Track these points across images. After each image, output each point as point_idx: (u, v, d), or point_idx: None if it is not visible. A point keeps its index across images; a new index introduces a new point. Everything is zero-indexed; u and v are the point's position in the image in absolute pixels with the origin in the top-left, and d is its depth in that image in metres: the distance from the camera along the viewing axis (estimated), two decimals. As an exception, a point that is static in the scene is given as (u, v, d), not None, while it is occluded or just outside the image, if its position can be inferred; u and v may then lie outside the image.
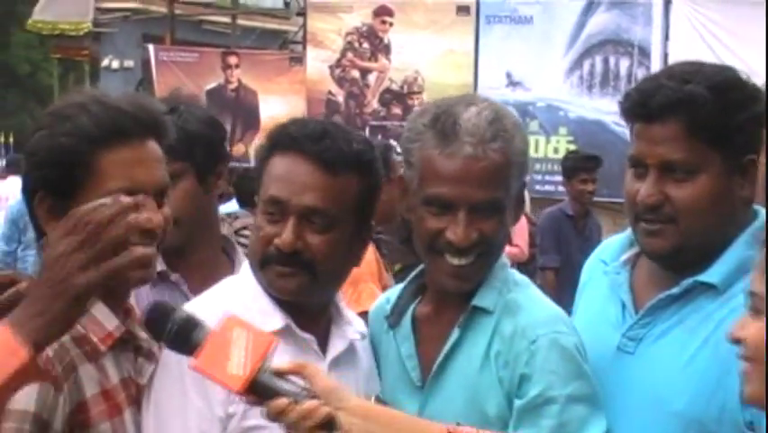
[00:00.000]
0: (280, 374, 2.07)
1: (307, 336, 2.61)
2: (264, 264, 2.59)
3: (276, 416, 2.06)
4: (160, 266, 3.22)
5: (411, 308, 2.80)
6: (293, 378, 2.09)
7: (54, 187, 2.33)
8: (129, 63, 25.12)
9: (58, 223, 2.25)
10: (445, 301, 2.75)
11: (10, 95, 34.02)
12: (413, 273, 2.84)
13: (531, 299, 2.73)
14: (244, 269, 2.70)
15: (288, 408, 2.05)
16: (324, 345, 2.67)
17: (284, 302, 2.61)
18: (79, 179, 2.30)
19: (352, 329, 2.73)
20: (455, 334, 2.68)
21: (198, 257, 3.32)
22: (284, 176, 2.57)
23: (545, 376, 2.55)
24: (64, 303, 1.89)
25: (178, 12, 24.00)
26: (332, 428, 2.07)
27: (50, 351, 2.13)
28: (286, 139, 2.61)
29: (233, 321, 2.07)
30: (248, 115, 21.76)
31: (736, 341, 2.06)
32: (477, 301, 2.67)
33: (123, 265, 1.92)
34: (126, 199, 1.95)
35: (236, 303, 2.57)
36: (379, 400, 2.46)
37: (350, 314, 2.77)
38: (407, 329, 2.77)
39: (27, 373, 1.87)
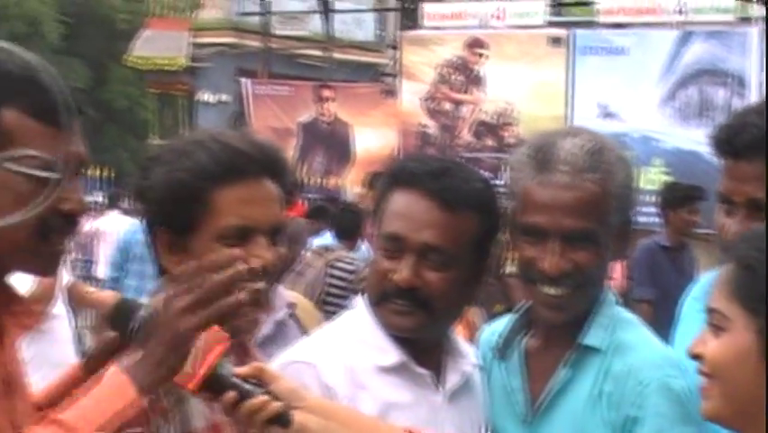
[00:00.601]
0: (240, 375, 2.08)
1: (423, 371, 2.61)
2: (381, 300, 2.59)
3: (228, 411, 2.06)
4: None
5: (520, 341, 2.78)
6: (253, 380, 2.10)
7: (172, 222, 2.34)
8: (224, 97, 25.45)
9: (176, 258, 2.32)
10: (553, 336, 2.72)
11: (108, 130, 34.60)
12: (522, 306, 2.82)
13: (641, 339, 2.69)
14: (360, 303, 2.70)
15: (240, 403, 2.05)
16: (439, 378, 2.66)
17: (400, 337, 2.61)
18: (196, 215, 2.31)
19: (466, 362, 2.72)
20: (563, 372, 2.65)
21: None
22: (403, 212, 2.58)
23: (655, 420, 2.52)
24: (168, 346, 1.94)
25: (272, 46, 24.30)
26: (285, 424, 2.06)
27: None
28: (406, 175, 2.61)
29: None
30: (341, 147, 21.91)
31: (695, 357, 2.06)
32: (585, 340, 2.64)
33: (226, 309, 1.96)
34: (242, 266, 1.97)
35: (352, 338, 2.61)
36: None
37: (464, 346, 2.76)
38: (516, 363, 2.75)
39: (132, 413, 1.92)
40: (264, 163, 2.36)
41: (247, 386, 2.03)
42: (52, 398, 2.36)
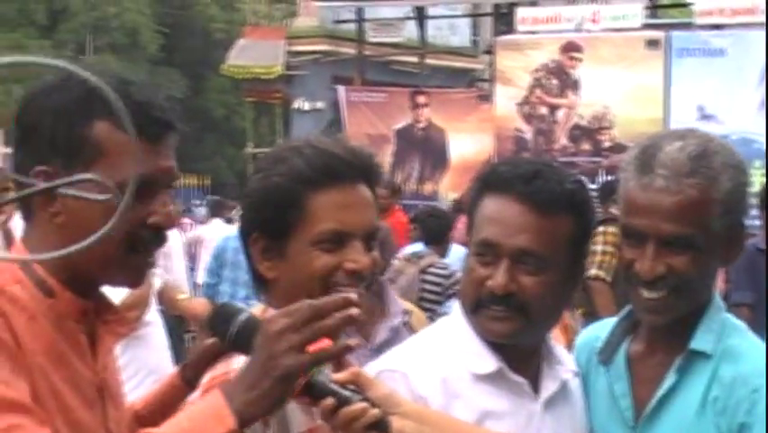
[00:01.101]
0: (337, 381, 2.08)
1: (520, 379, 2.58)
2: (477, 307, 2.57)
3: (327, 417, 2.05)
4: None
5: (623, 345, 2.76)
6: (351, 386, 2.07)
7: (268, 228, 2.35)
8: (319, 105, 25.58)
9: (271, 263, 2.33)
10: (658, 340, 2.69)
11: (206, 139, 34.99)
12: (625, 310, 2.80)
13: (752, 346, 2.65)
14: (455, 310, 2.70)
15: (338, 409, 2.05)
16: (535, 385, 2.63)
17: (496, 344, 2.59)
18: (292, 221, 2.32)
19: (563, 369, 2.69)
20: (672, 377, 2.62)
21: (370, 303, 3.32)
22: (496, 218, 2.56)
23: (764, 426, 2.49)
24: (273, 382, 1.92)
25: (367, 53, 24.37)
26: (384, 431, 2.06)
27: None
28: (497, 180, 2.59)
29: None
30: (436, 153, 21.90)
31: None
32: (695, 345, 2.61)
33: (335, 353, 1.97)
34: (352, 296, 1.98)
35: (447, 345, 2.59)
36: None
37: (561, 352, 2.73)
38: (621, 367, 2.72)
39: None
40: (359, 168, 2.36)
41: (345, 392, 2.03)
42: (150, 406, 2.39)
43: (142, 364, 5.75)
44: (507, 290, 2.51)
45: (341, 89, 23.14)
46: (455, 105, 22.06)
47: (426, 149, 22.08)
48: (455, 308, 2.67)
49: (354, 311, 1.94)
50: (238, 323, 2.02)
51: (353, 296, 1.99)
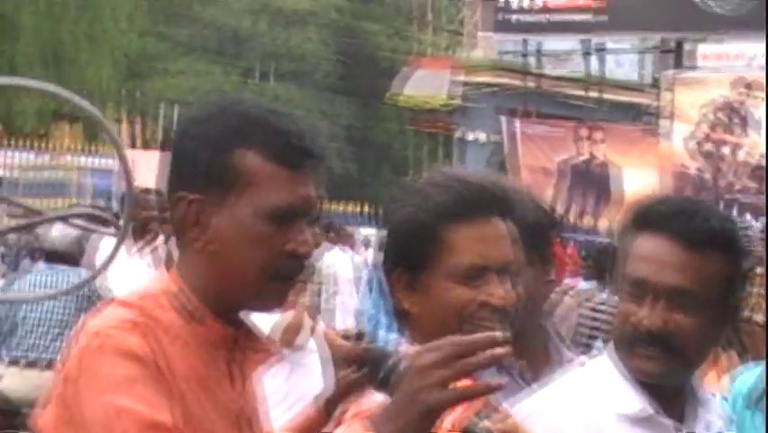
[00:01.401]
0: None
1: (667, 421, 2.53)
2: (630, 346, 2.53)
3: None
4: None
5: None
6: None
7: (408, 261, 2.36)
8: (486, 136, 25.58)
9: (412, 297, 2.33)
10: None
11: (369, 165, 35.36)
12: None
13: None
14: (608, 350, 2.65)
15: None
16: (679, 428, 2.55)
17: (643, 385, 2.54)
18: (430, 253, 2.32)
19: (707, 410, 2.61)
20: None
21: (531, 347, 3.29)
22: (651, 256, 2.52)
23: None
24: (416, 415, 1.90)
25: (535, 85, 24.30)
26: None
27: None
28: (652, 217, 2.55)
29: None
30: (605, 187, 21.74)
31: None
32: None
33: (481, 391, 1.92)
34: (498, 334, 1.94)
35: (593, 386, 2.56)
36: None
37: (705, 394, 2.66)
38: None
39: None
40: (496, 201, 2.36)
41: None
42: None
43: (302, 393, 5.78)
44: (663, 330, 2.47)
45: (507, 121, 23.18)
46: (624, 138, 21.93)
47: (594, 182, 21.98)
48: (607, 348, 2.65)
49: (500, 351, 1.90)
50: (388, 367, 2.01)
51: (499, 334, 1.94)
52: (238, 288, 2.07)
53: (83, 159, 22.63)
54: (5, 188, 21.58)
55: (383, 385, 2.02)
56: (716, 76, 19.55)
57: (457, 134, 26.29)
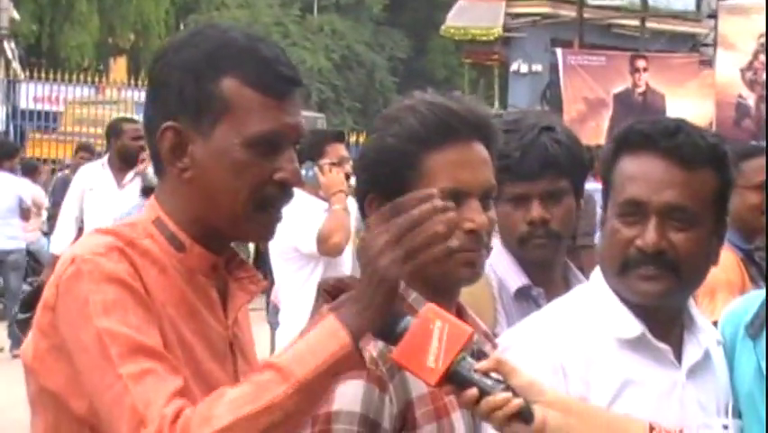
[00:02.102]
0: (479, 370, 2.04)
1: (663, 345, 2.51)
2: (625, 269, 2.50)
3: (469, 407, 2.02)
4: (523, 280, 3.22)
5: None
6: (493, 375, 2.05)
7: (383, 188, 2.34)
8: (537, 67, 25.42)
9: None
10: None
11: (426, 99, 35.15)
12: None
13: None
14: (595, 276, 2.65)
15: (481, 399, 2.01)
16: (678, 354, 2.56)
17: (638, 310, 2.52)
18: (407, 180, 2.30)
19: (705, 336, 2.60)
20: None
21: (556, 275, 3.30)
22: (640, 176, 2.49)
23: None
24: (381, 296, 1.93)
25: (586, 16, 24.07)
26: (528, 420, 2.02)
27: (374, 351, 2.17)
28: (637, 138, 2.52)
29: (432, 312, 2.01)
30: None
31: None
32: None
33: (440, 257, 1.94)
34: (439, 202, 1.95)
35: (588, 311, 2.54)
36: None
37: (703, 321, 2.65)
38: None
39: (346, 356, 1.92)
40: (474, 126, 2.33)
41: (488, 381, 2.01)
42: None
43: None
44: (659, 248, 2.45)
45: (559, 52, 22.91)
46: (676, 69, 21.61)
47: (645, 114, 21.58)
48: (594, 274, 2.62)
49: (438, 203, 1.93)
50: (402, 328, 2.01)
51: (433, 191, 1.97)
52: (225, 217, 2.06)
53: (130, 93, 22.55)
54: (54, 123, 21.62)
55: (378, 330, 2.02)
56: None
57: (512, 67, 26.10)
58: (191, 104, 2.03)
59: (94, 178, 8.63)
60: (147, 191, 7.98)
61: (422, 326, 2.01)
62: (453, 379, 1.99)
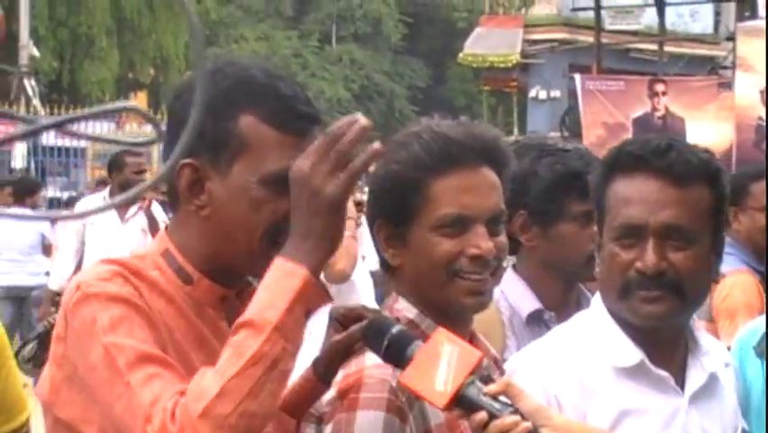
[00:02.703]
0: (488, 394, 2.04)
1: (663, 373, 2.50)
2: (626, 292, 2.48)
3: (478, 430, 2.01)
4: (535, 304, 3.21)
5: None
6: (502, 398, 2.03)
7: (389, 214, 2.36)
8: (555, 93, 25.42)
9: (394, 250, 2.33)
10: None
11: (446, 126, 35.20)
12: None
13: None
14: (595, 302, 2.64)
15: (489, 422, 2.00)
16: (681, 379, 2.54)
17: (639, 335, 2.51)
18: (412, 206, 2.32)
19: (709, 360, 2.58)
20: None
21: (572, 297, 3.28)
22: (634, 197, 2.47)
23: None
24: (322, 217, 1.94)
25: (604, 41, 24.04)
26: None
27: (393, 381, 2.17)
28: (627, 159, 2.51)
29: (442, 335, 2.02)
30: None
31: None
32: None
33: (367, 161, 1.96)
34: (365, 121, 1.95)
35: (587, 338, 2.54)
36: None
37: (709, 344, 2.62)
38: None
39: (309, 291, 1.93)
40: (479, 151, 2.33)
41: (496, 405, 2.01)
42: (285, 400, 2.39)
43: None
44: (659, 269, 2.43)
45: (578, 78, 22.88)
46: (695, 93, 21.53)
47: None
48: (594, 300, 2.61)
49: (364, 122, 1.94)
50: (389, 337, 2.05)
51: (358, 114, 1.98)
52: (241, 254, 2.07)
53: (148, 128, 22.69)
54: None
55: (387, 354, 2.06)
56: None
57: (531, 93, 26.10)
58: (209, 141, 2.04)
59: None
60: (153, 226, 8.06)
61: (431, 349, 2.02)
62: (462, 402, 2.00)
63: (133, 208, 8.32)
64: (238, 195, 2.04)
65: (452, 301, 2.28)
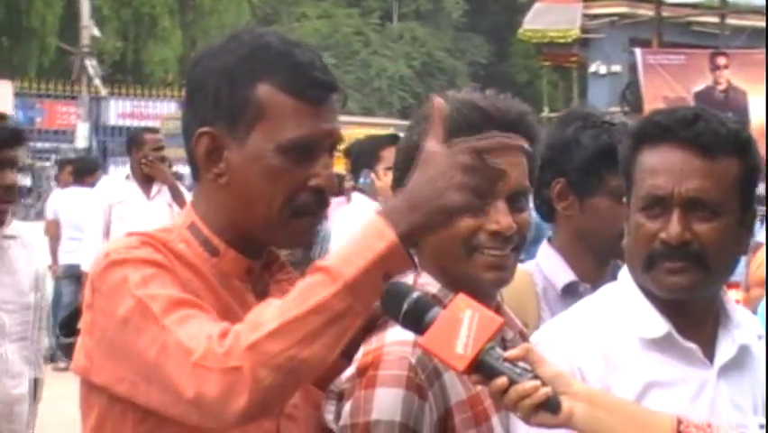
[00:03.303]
0: (508, 359, 2.05)
1: (691, 344, 2.46)
2: (650, 263, 2.44)
3: (497, 396, 2.02)
4: (570, 276, 3.22)
5: None
6: (522, 364, 2.03)
7: None
8: (616, 68, 25.15)
9: None
10: None
11: (509, 103, 35.01)
12: None
13: None
14: (622, 274, 2.64)
15: (509, 387, 2.01)
16: (710, 351, 2.50)
17: (666, 307, 2.47)
18: None
19: (742, 332, 2.53)
20: None
21: (608, 270, 3.28)
22: (661, 168, 2.44)
23: None
24: (437, 210, 1.91)
25: (665, 14, 23.84)
26: (555, 410, 2.03)
27: (413, 358, 2.17)
28: (655, 129, 2.47)
29: (463, 301, 2.02)
30: (737, 116, 21.16)
31: None
32: None
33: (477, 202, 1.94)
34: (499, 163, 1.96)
35: (613, 310, 2.51)
36: None
37: (741, 315, 2.57)
38: None
39: (392, 257, 1.90)
40: (502, 124, 2.29)
41: (516, 370, 2.01)
42: None
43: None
44: (683, 240, 2.40)
45: (638, 52, 22.71)
46: (758, 66, 21.23)
47: (727, 112, 21.36)
48: (621, 272, 2.58)
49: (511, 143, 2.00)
50: (409, 301, 2.03)
51: (499, 162, 1.96)
52: (260, 223, 2.07)
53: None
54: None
55: (406, 320, 2.04)
56: None
57: (591, 68, 25.89)
58: (226, 109, 2.05)
59: (120, 190, 8.52)
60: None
61: (452, 314, 2.02)
62: (482, 367, 2.00)
63: (157, 185, 8.32)
64: (255, 163, 2.03)
65: (471, 276, 2.27)
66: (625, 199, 2.55)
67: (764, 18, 26.49)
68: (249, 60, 2.05)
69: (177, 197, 8.16)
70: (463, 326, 2.00)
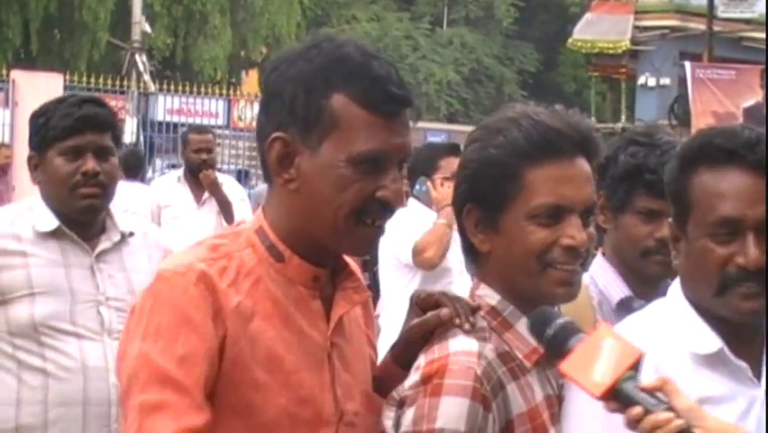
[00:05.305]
0: (644, 389, 2.06)
1: (742, 363, 2.46)
2: (725, 288, 2.43)
3: (631, 424, 2.04)
4: (625, 291, 3.22)
5: None
6: (659, 395, 2.05)
7: (482, 199, 2.33)
8: (665, 81, 25.07)
9: (483, 235, 2.29)
10: None
11: (555, 112, 34.93)
12: None
13: None
14: (672, 290, 2.63)
15: (643, 417, 2.02)
16: (758, 370, 2.48)
17: (718, 325, 2.46)
18: (507, 192, 2.29)
19: None
20: None
21: (660, 288, 3.27)
22: (730, 192, 2.42)
23: None
24: None
25: (716, 29, 23.73)
26: None
27: (478, 369, 2.18)
28: (716, 152, 2.46)
29: (605, 331, 2.08)
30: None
31: None
32: None
33: None
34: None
35: (666, 326, 2.51)
36: None
37: None
38: None
39: None
40: (578, 142, 2.30)
41: (651, 400, 2.04)
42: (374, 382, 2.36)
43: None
44: (761, 264, 2.38)
45: (688, 66, 22.63)
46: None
47: (775, 129, 21.27)
48: (671, 289, 2.58)
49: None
50: (555, 327, 2.12)
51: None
52: (326, 230, 2.09)
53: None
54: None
55: (550, 343, 2.13)
56: None
57: (640, 80, 25.81)
58: (301, 117, 2.07)
59: (169, 193, 8.18)
60: None
61: (594, 341, 2.08)
62: (618, 395, 2.04)
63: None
64: (325, 172, 2.05)
65: (542, 291, 2.27)
66: (671, 220, 2.53)
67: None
68: (326, 70, 2.07)
69: (225, 212, 7.83)
70: (603, 353, 2.05)
